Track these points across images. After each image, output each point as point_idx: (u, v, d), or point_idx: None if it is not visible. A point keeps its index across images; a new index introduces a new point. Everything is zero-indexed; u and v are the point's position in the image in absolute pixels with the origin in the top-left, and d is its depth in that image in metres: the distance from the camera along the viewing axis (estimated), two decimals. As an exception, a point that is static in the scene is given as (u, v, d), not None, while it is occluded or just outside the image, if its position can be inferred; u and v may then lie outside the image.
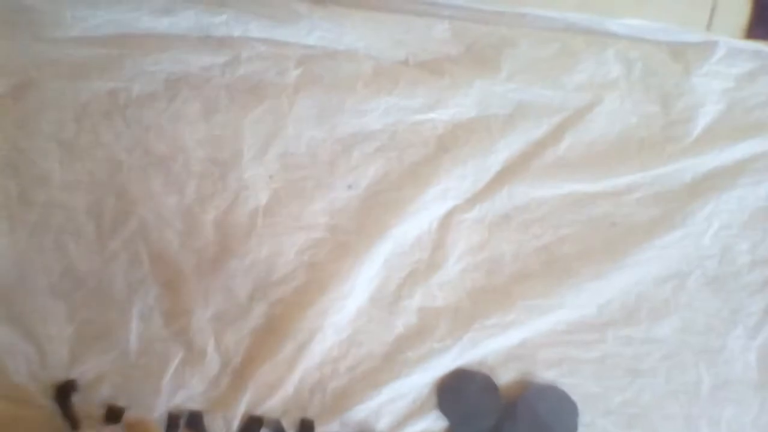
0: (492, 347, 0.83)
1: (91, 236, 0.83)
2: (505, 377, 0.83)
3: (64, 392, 0.77)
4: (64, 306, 0.81)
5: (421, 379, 0.82)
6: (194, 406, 0.78)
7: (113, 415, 0.77)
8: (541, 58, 0.93)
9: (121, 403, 0.78)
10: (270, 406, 0.79)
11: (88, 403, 0.77)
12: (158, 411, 0.77)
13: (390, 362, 0.83)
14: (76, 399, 0.77)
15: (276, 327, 0.82)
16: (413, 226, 0.85)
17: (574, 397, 0.82)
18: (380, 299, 0.84)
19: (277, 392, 0.80)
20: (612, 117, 0.90)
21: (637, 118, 0.90)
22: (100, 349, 0.80)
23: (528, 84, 0.91)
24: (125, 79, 0.87)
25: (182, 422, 0.77)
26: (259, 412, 0.78)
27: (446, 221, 0.86)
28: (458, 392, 0.82)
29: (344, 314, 0.83)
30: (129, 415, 0.69)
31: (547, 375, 0.83)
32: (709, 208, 0.87)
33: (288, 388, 0.80)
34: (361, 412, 0.81)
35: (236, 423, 0.77)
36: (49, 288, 0.81)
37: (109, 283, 0.82)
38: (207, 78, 0.88)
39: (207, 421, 0.78)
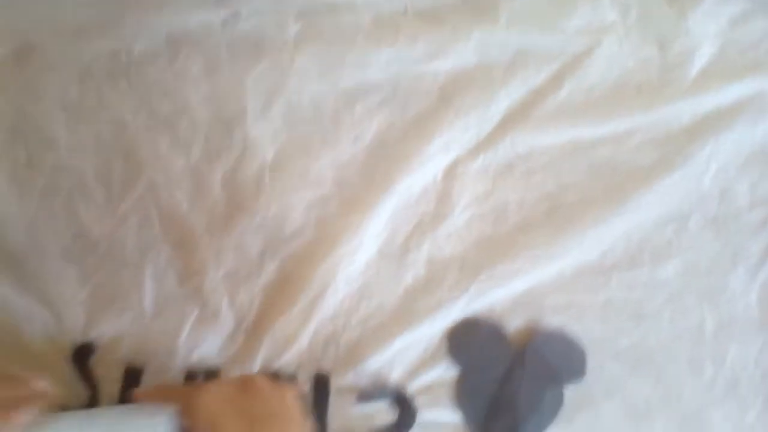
0: (499, 296, 0.82)
1: (101, 199, 0.81)
2: (513, 324, 0.82)
3: (81, 355, 0.76)
4: (77, 269, 0.79)
5: (432, 329, 0.81)
6: (211, 363, 0.79)
7: (132, 375, 0.76)
8: (538, 4, 0.89)
9: (138, 363, 0.77)
10: (285, 361, 0.78)
11: (105, 365, 0.75)
12: (175, 370, 0.76)
13: (401, 313, 0.82)
14: (93, 361, 0.76)
15: (288, 282, 0.81)
16: (418, 178, 0.83)
17: (582, 342, 0.82)
18: (389, 252, 0.83)
19: (291, 346, 0.79)
20: (610, 61, 0.88)
21: (635, 62, 0.88)
22: (115, 311, 0.78)
23: (526, 31, 0.88)
24: (126, 38, 0.83)
25: (200, 380, 0.77)
26: (274, 366, 0.78)
27: (451, 172, 0.84)
28: (468, 341, 0.82)
29: (354, 268, 0.82)
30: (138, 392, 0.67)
31: (554, 321, 0.82)
32: (707, 149, 0.85)
33: (302, 342, 0.79)
34: (374, 363, 0.80)
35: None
36: (61, 252, 0.79)
37: (121, 245, 0.80)
38: (207, 35, 0.84)
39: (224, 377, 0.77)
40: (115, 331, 0.76)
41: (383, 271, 0.82)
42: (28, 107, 0.81)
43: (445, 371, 0.81)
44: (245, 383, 0.62)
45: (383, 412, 0.79)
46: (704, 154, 0.85)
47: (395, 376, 0.80)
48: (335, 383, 0.79)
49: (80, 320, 0.77)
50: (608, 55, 0.87)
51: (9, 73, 0.81)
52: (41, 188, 0.80)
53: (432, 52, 0.85)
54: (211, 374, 0.76)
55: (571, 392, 0.80)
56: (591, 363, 0.81)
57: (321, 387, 0.79)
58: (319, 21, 0.86)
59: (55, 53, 0.82)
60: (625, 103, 0.86)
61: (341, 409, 0.79)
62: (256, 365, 0.77)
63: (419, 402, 0.79)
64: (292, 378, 0.77)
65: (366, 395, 0.79)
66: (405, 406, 0.79)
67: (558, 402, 0.80)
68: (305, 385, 0.78)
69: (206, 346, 0.77)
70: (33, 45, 0.82)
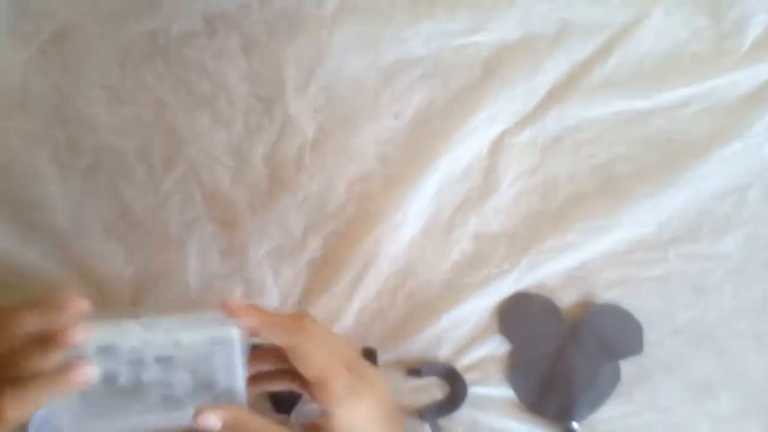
0: (551, 270, 0.80)
1: (143, 178, 0.81)
2: (566, 299, 0.80)
3: None
4: (122, 248, 0.80)
5: (481, 304, 0.80)
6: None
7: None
8: (581, -26, 0.86)
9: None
10: (331, 337, 0.78)
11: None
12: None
13: (448, 290, 0.80)
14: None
15: (332, 259, 0.80)
16: (463, 152, 0.81)
17: (638, 317, 0.79)
18: (434, 228, 0.81)
19: (337, 323, 0.78)
20: (660, 32, 0.84)
21: (687, 32, 0.85)
22: (161, 289, 0.78)
23: (570, 2, 0.85)
24: (163, 18, 0.83)
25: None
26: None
27: (497, 146, 0.82)
28: (520, 315, 0.80)
29: (398, 244, 0.80)
30: None
31: (608, 296, 0.79)
32: (766, 119, 0.81)
33: (348, 319, 0.79)
34: (422, 339, 0.79)
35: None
36: (105, 231, 0.80)
37: (164, 223, 0.80)
38: (245, 13, 0.83)
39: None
40: (160, 308, 0.76)
41: (429, 247, 0.81)
42: (68, 89, 0.81)
43: (497, 347, 0.79)
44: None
45: (434, 387, 0.78)
46: (763, 123, 0.81)
47: (444, 352, 0.79)
48: (383, 359, 0.78)
49: (126, 298, 0.77)
50: (658, 26, 0.84)
51: (49, 56, 0.81)
52: (83, 169, 0.80)
53: (473, 25, 0.83)
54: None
55: (628, 367, 0.78)
56: (648, 338, 0.78)
57: (369, 361, 0.77)
58: (356, -5, 0.84)
59: (93, 36, 0.82)
60: (678, 74, 0.83)
61: (390, 384, 0.76)
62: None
63: (470, 378, 0.78)
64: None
65: (415, 371, 0.77)
66: (456, 382, 0.78)
67: (615, 377, 0.78)
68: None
69: (252, 323, 0.75)
70: (72, 28, 0.82)
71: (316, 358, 0.57)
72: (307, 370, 0.56)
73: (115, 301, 0.76)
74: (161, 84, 0.82)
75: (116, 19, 0.82)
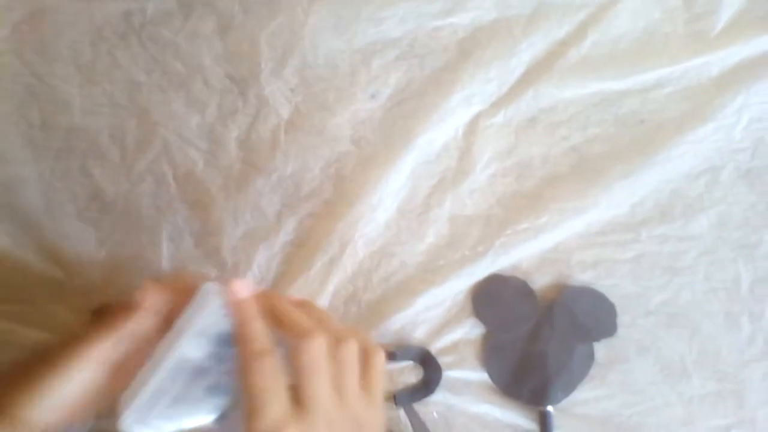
0: (525, 252, 0.80)
1: (116, 160, 0.80)
2: (540, 281, 0.80)
3: (99, 316, 0.76)
4: (94, 231, 0.79)
5: (456, 286, 0.80)
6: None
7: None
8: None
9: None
10: (306, 320, 0.79)
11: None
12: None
13: (423, 272, 0.80)
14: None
15: (306, 242, 0.80)
16: (439, 133, 0.81)
17: (612, 299, 0.79)
18: (409, 209, 0.81)
19: None
20: (635, 13, 0.83)
21: (660, 13, 0.84)
22: (133, 272, 0.78)
23: None
24: None
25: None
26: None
27: (472, 127, 0.82)
28: (494, 298, 0.80)
29: (374, 226, 0.80)
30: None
31: (583, 277, 0.80)
32: (738, 101, 0.81)
33: (323, 302, 0.78)
34: (397, 322, 0.79)
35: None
36: (77, 214, 0.79)
37: (137, 206, 0.79)
38: None
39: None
40: (133, 291, 0.76)
41: (404, 229, 0.81)
42: (42, 69, 0.80)
43: (471, 329, 0.80)
44: None
45: (409, 371, 0.79)
46: (735, 105, 0.81)
47: (419, 335, 0.79)
48: None
49: (98, 281, 0.77)
50: (633, 7, 0.83)
51: (22, 36, 0.80)
52: (56, 150, 0.80)
53: (449, 6, 0.82)
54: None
55: (602, 349, 0.79)
56: (622, 319, 0.79)
57: None
58: (332, -24, 0.84)
59: (67, 15, 0.81)
60: (652, 55, 0.83)
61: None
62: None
63: (445, 361, 0.78)
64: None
65: (390, 354, 0.77)
66: (431, 366, 0.78)
67: (589, 359, 0.79)
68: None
69: (226, 306, 0.76)
70: (46, 7, 0.81)
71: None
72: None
73: (86, 284, 0.77)
74: (135, 65, 0.81)
75: (90, -2, 0.81)
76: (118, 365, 0.54)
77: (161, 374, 0.52)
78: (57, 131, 0.80)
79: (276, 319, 0.52)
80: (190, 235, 0.80)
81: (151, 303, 0.56)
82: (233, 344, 0.53)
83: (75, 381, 0.54)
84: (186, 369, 0.53)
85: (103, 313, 0.75)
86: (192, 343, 0.54)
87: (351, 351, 0.52)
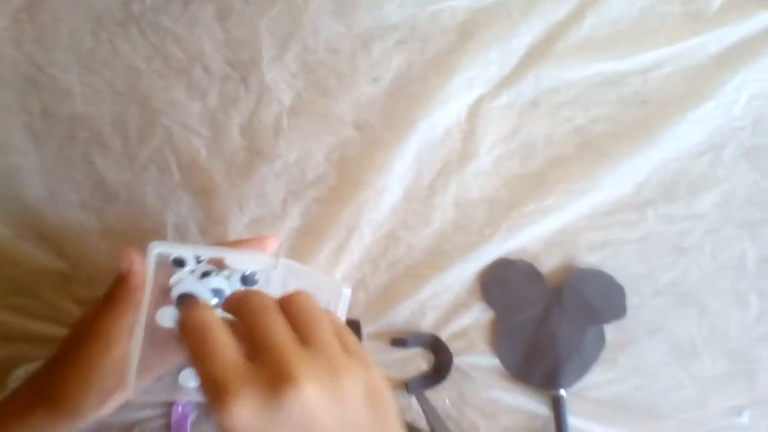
0: (532, 234, 0.81)
1: (119, 148, 0.80)
2: (548, 264, 0.80)
3: None
4: (98, 221, 0.79)
5: (464, 271, 0.80)
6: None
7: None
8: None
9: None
10: (314, 307, 0.79)
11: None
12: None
13: (430, 257, 0.80)
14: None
15: (313, 228, 0.80)
16: (442, 117, 0.81)
17: (620, 280, 0.79)
18: (415, 194, 0.81)
19: None
20: None
21: None
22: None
23: None
24: None
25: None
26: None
27: (475, 110, 0.82)
28: (502, 282, 0.80)
29: (380, 211, 0.80)
30: None
31: (590, 259, 0.80)
32: (738, 78, 0.81)
33: None
34: (406, 308, 0.79)
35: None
36: (81, 204, 0.79)
37: (141, 196, 0.79)
38: None
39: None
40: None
41: (410, 213, 0.81)
42: (42, 58, 0.80)
43: (480, 314, 0.80)
44: None
45: (419, 358, 0.79)
46: (734, 83, 0.82)
47: (428, 321, 0.79)
48: (367, 330, 0.78)
49: (102, 273, 0.77)
50: None
51: (22, 25, 0.80)
52: (58, 139, 0.79)
53: None
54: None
55: (612, 332, 0.79)
56: (631, 300, 0.79)
57: (353, 333, 0.78)
58: (330, -38, 0.83)
59: (66, 3, 0.81)
60: (651, 35, 0.84)
61: (374, 356, 0.77)
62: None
63: (455, 347, 0.78)
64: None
65: (400, 341, 0.77)
66: (441, 352, 0.78)
67: (600, 342, 0.79)
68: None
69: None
70: None
71: None
72: None
73: (91, 276, 0.77)
74: (135, 52, 0.81)
75: (90, -14, 0.80)
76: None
77: (136, 346, 0.54)
78: (58, 120, 0.80)
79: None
80: (195, 224, 0.79)
81: (138, 268, 0.57)
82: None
83: (104, 361, 0.57)
84: (164, 335, 0.55)
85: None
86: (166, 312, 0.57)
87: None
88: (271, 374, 0.40)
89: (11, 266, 0.76)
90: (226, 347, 0.42)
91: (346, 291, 0.55)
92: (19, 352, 0.73)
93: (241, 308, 0.45)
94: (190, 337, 0.43)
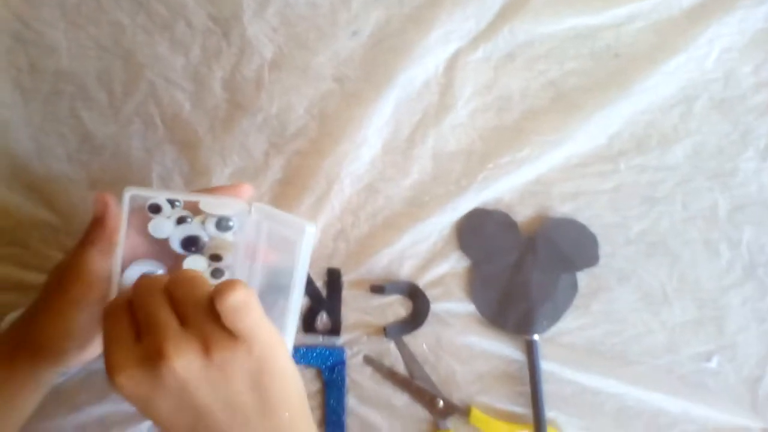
0: (507, 185, 0.83)
1: (104, 102, 0.82)
2: (523, 214, 0.83)
3: None
4: (85, 173, 0.81)
5: (441, 221, 0.82)
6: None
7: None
8: None
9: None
10: (295, 257, 0.81)
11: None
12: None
13: (409, 207, 0.83)
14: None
15: (294, 180, 0.82)
16: (420, 70, 0.83)
17: (593, 229, 0.82)
18: (394, 146, 0.84)
19: None
20: None
21: None
22: None
23: None
24: None
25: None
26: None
27: (452, 63, 0.84)
28: (478, 231, 0.82)
29: (359, 164, 0.83)
30: None
31: (563, 209, 0.83)
32: (709, 32, 0.83)
33: None
34: (384, 257, 0.82)
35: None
36: (68, 157, 0.81)
37: (126, 149, 0.82)
38: None
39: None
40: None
41: (389, 165, 0.83)
42: (28, 14, 0.82)
43: (457, 263, 0.82)
44: None
45: (397, 305, 0.82)
46: (706, 36, 0.84)
47: (407, 269, 0.82)
48: (347, 279, 0.81)
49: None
50: None
51: None
52: (45, 94, 0.81)
53: None
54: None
55: (585, 279, 0.82)
56: (604, 249, 0.82)
57: (333, 281, 0.81)
58: None
59: None
60: None
61: (355, 304, 0.80)
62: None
63: (432, 294, 0.81)
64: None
65: (378, 287, 0.80)
66: (418, 299, 0.81)
67: (572, 288, 0.82)
68: (317, 281, 0.80)
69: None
70: None
71: None
72: None
73: (79, 227, 0.80)
74: (119, 8, 0.82)
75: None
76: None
77: (114, 287, 0.58)
78: (45, 75, 0.82)
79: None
80: (180, 176, 0.82)
81: (113, 210, 0.60)
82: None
83: (84, 303, 0.59)
84: None
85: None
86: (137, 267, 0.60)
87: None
88: (149, 351, 0.47)
89: (1, 217, 0.78)
90: (123, 330, 0.50)
91: (310, 229, 0.57)
92: (9, 300, 0.75)
93: (134, 290, 0.51)
94: (103, 321, 0.51)
